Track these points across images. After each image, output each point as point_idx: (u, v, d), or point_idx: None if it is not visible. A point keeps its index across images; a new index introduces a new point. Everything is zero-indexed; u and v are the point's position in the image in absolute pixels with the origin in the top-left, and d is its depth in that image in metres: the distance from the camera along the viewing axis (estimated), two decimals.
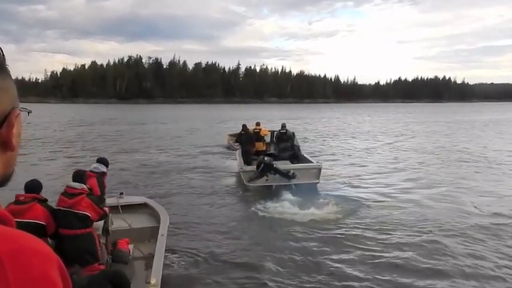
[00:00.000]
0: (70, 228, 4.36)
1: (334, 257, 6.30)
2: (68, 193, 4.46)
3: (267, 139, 13.69)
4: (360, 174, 13.06)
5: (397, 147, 20.65)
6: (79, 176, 4.72)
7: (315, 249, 6.62)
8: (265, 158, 10.42)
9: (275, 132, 13.17)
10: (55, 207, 4.42)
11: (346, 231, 7.50)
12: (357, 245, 6.74)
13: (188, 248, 6.53)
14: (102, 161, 6.11)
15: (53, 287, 0.50)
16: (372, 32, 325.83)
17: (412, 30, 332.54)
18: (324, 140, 24.28)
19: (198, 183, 11.67)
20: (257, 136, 13.23)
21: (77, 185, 4.53)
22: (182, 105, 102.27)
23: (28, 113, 0.69)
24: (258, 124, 13.75)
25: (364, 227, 7.74)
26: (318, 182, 10.71)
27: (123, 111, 69.11)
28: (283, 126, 12.73)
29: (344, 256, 6.33)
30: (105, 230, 4.84)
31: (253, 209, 8.96)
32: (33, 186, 4.43)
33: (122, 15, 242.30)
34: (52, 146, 20.33)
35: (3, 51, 0.62)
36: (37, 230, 4.07)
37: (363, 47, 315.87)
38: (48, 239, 4.27)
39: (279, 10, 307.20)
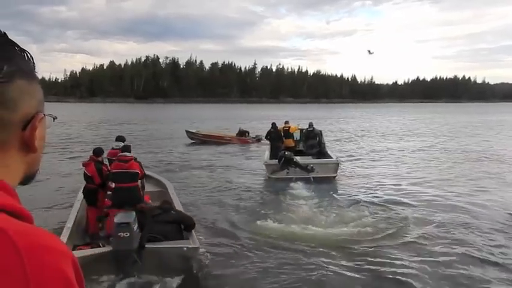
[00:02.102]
0: (125, 182, 6.58)
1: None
2: (122, 160, 6.73)
3: (297, 136, 14.39)
4: (403, 177, 12.68)
5: (440, 149, 19.87)
6: (127, 147, 7.10)
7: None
8: (286, 153, 11.54)
9: (303, 130, 14.17)
10: (111, 168, 6.87)
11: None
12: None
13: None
14: (120, 138, 8.19)
15: (67, 282, 0.52)
16: (390, 31, 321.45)
17: (431, 29, 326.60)
18: (356, 141, 23.86)
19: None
20: (286, 133, 14.01)
21: (127, 153, 6.87)
22: (198, 105, 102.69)
23: (54, 118, 0.72)
24: (287, 122, 14.43)
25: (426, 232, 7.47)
26: (336, 176, 11.65)
27: (144, 110, 69.98)
28: (311, 124, 13.76)
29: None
30: (143, 187, 7.15)
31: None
32: (95, 152, 7.14)
33: (140, 16, 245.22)
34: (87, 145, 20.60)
35: (32, 56, 0.66)
36: (90, 179, 6.97)
37: (381, 46, 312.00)
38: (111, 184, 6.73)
39: (297, 9, 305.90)
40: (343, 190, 10.69)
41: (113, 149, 7.76)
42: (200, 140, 21.56)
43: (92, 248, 5.62)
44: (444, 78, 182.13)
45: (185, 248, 5.52)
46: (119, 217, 5.43)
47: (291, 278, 5.57)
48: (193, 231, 5.95)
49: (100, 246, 5.62)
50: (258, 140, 21.33)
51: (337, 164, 11.78)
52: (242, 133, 22.48)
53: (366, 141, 23.50)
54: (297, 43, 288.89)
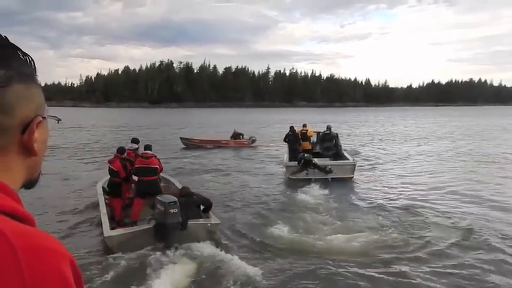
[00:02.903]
0: (147, 176, 7.63)
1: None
2: (144, 156, 7.76)
3: (313, 139, 14.87)
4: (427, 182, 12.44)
5: (462, 152, 19.50)
6: (148, 146, 8.01)
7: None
8: (305, 155, 11.98)
9: (320, 133, 14.72)
10: (136, 164, 7.80)
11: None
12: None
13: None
14: (135, 140, 8.99)
15: (65, 283, 0.53)
16: (405, 34, 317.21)
17: (446, 32, 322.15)
18: (375, 144, 23.65)
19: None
20: (304, 136, 14.49)
21: (149, 151, 7.86)
22: (212, 109, 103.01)
23: (58, 121, 0.73)
24: (304, 126, 14.89)
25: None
26: (352, 177, 12.10)
27: (158, 114, 70.25)
28: (328, 128, 14.35)
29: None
30: (159, 179, 8.12)
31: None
32: (119, 150, 8.28)
33: (155, 21, 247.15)
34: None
35: (33, 58, 0.67)
36: (115, 174, 7.99)
37: (395, 50, 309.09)
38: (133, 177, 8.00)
39: (311, 13, 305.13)
40: (362, 194, 10.63)
41: (128, 149, 8.56)
42: (196, 145, 20.96)
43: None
44: (459, 81, 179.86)
45: (209, 224, 6.96)
46: (165, 198, 6.60)
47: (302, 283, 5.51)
48: (210, 211, 7.30)
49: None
50: (252, 141, 21.48)
51: (353, 166, 12.28)
52: (236, 135, 22.16)
53: (385, 145, 23.32)
54: (310, 47, 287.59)
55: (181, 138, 22.03)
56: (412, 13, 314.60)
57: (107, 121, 47.69)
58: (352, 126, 40.27)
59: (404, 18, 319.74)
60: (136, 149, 8.68)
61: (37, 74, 0.68)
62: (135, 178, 7.90)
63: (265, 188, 11.48)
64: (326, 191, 10.61)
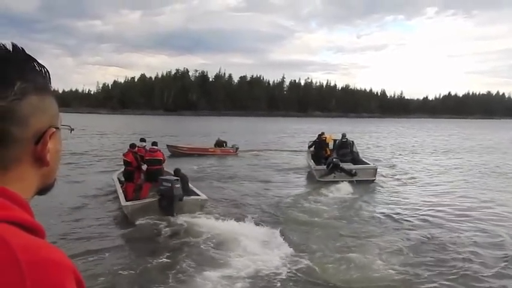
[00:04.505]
0: (154, 165, 9.84)
1: None
2: (151, 151, 10.11)
3: (331, 146, 15.94)
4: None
5: (487, 166, 18.78)
6: (155, 142, 10.35)
7: None
8: (334, 159, 13.35)
9: (337, 141, 15.86)
10: (145, 156, 10.15)
11: None
12: None
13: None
14: (143, 139, 11.23)
15: None
16: (422, 46, 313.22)
17: (464, 44, 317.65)
18: (399, 157, 22.93)
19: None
20: (323, 143, 15.84)
21: (155, 147, 10.23)
22: (226, 118, 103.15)
23: (71, 130, 0.77)
24: (322, 133, 16.20)
25: None
26: (374, 180, 13.49)
27: (174, 122, 70.36)
28: (344, 135, 15.58)
29: None
30: (163, 168, 10.30)
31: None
32: (131, 145, 10.45)
33: (173, 30, 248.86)
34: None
35: (51, 67, 0.70)
36: (128, 164, 10.14)
37: (412, 61, 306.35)
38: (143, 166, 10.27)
39: (328, 24, 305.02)
40: (389, 210, 10.10)
41: (138, 147, 10.69)
42: (184, 153, 20.81)
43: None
44: (477, 93, 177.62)
45: (200, 200, 9.18)
46: (170, 177, 8.79)
47: None
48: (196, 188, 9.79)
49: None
50: (236, 149, 22.15)
51: (375, 170, 13.83)
52: (220, 144, 22.37)
53: (420, 157, 22.55)
54: (327, 57, 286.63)
55: (168, 146, 21.54)
56: (430, 24, 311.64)
57: (128, 128, 47.69)
58: (378, 138, 39.57)
59: (422, 30, 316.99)
60: (144, 146, 10.95)
61: (51, 85, 0.68)
62: (144, 168, 10.09)
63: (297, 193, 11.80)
64: (371, 208, 10.36)
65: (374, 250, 6.99)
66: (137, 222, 8.24)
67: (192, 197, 9.09)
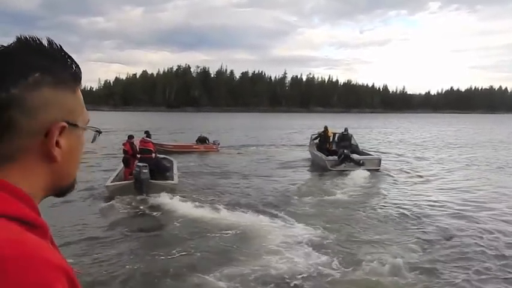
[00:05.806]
0: (146, 154, 11.14)
1: None
2: (144, 141, 11.54)
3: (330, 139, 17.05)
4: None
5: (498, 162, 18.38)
6: (148, 133, 11.94)
7: None
8: (345, 151, 14.66)
9: (337, 134, 17.16)
10: (138, 146, 11.50)
11: None
12: None
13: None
14: (147, 132, 12.06)
15: None
16: (425, 41, 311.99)
17: (468, 39, 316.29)
18: (408, 152, 22.39)
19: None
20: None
21: (147, 138, 11.69)
22: (228, 114, 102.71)
23: (98, 133, 0.74)
24: (327, 128, 17.21)
25: None
26: (379, 169, 14.51)
27: (176, 118, 69.95)
28: (346, 129, 16.86)
29: None
30: (155, 155, 11.75)
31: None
32: (129, 137, 11.99)
33: (175, 26, 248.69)
34: None
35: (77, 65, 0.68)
36: (126, 152, 11.59)
37: (415, 56, 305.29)
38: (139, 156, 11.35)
39: (330, 19, 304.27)
40: (400, 210, 9.67)
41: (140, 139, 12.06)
42: (170, 151, 20.44)
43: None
44: (479, 88, 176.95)
45: (171, 183, 10.61)
46: (140, 163, 10.16)
47: None
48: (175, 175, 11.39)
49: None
50: (217, 144, 22.58)
51: (379, 160, 15.02)
52: (202, 140, 22.60)
53: (432, 153, 22.08)
54: (329, 52, 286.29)
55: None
56: (433, 19, 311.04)
57: (132, 124, 47.34)
58: (384, 133, 38.93)
59: (425, 25, 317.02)
60: (143, 138, 12.24)
61: (80, 83, 0.68)
62: (138, 156, 11.32)
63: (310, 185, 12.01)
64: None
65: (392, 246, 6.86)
66: (115, 203, 9.45)
67: (165, 181, 10.69)
